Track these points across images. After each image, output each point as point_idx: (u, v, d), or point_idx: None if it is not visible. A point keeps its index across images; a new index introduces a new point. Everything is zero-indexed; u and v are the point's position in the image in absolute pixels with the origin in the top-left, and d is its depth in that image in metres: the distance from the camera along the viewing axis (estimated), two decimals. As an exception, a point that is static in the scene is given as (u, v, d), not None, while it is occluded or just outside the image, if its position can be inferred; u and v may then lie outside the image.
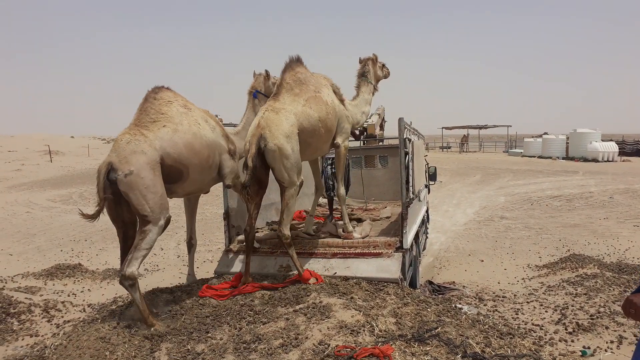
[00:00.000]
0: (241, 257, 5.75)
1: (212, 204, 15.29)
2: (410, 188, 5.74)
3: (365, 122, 7.18)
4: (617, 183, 19.83)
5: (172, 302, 4.83)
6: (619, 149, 34.64)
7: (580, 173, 24.59)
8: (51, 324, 5.34)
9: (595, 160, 32.23)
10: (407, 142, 5.67)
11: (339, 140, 5.67)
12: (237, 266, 5.67)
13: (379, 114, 8.96)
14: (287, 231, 5.00)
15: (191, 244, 5.88)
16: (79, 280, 7.26)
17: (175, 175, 4.62)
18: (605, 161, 32.18)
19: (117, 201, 4.30)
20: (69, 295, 6.49)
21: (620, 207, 14.30)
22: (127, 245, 4.46)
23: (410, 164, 5.77)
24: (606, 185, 19.05)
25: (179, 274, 7.86)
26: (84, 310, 5.72)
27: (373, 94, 6.34)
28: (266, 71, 6.18)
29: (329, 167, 6.93)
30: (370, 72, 6.26)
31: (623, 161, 32.98)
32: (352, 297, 4.48)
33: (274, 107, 5.00)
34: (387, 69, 6.59)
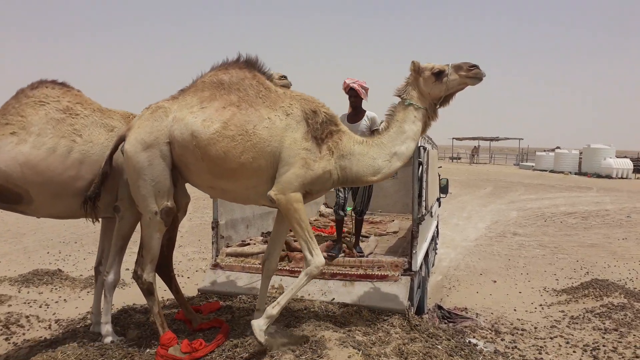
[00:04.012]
0: (229, 273, 5.14)
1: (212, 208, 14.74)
2: (423, 203, 5.10)
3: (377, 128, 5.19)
4: (633, 201, 19.15)
5: (144, 325, 4.25)
6: (634, 166, 33.85)
7: (594, 189, 23.89)
8: (9, 343, 4.71)
9: (608, 176, 31.45)
10: (422, 150, 5.03)
11: (272, 190, 3.68)
12: (224, 285, 5.06)
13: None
14: (147, 274, 3.80)
15: (99, 272, 4.46)
16: (56, 289, 6.69)
17: (11, 196, 3.75)
18: (619, 178, 31.38)
19: None
20: (40, 306, 5.91)
21: (638, 226, 13.65)
22: None
23: (424, 175, 5.12)
24: (622, 204, 18.36)
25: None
26: (50, 327, 5.12)
27: (426, 123, 4.08)
28: None
29: None
30: (409, 91, 4.06)
31: (637, 179, 32.17)
32: (350, 330, 3.85)
33: (156, 105, 3.88)
34: (454, 77, 3.92)
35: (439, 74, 3.91)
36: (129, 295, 6.20)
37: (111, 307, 4.18)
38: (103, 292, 4.23)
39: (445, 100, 4.06)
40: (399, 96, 4.10)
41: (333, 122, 3.91)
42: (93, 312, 4.44)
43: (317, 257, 3.65)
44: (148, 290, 3.83)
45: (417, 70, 4.01)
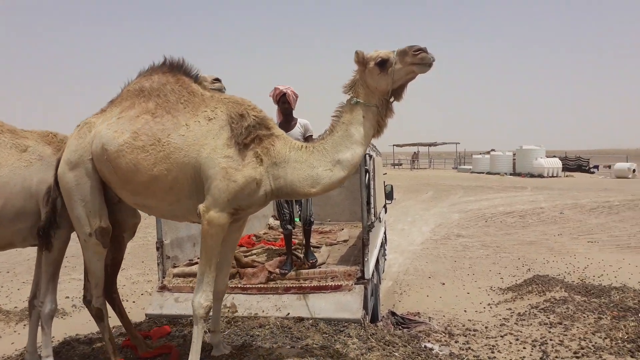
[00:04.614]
0: (177, 295, 4.93)
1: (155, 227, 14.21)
2: (372, 210, 5.13)
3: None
4: (564, 198, 20.24)
5: (88, 357, 3.99)
6: (562, 164, 35.90)
7: (529, 188, 25.09)
8: (-64, 389, 4.34)
9: (541, 175, 33.19)
10: (368, 158, 5.07)
11: (202, 205, 3.31)
12: (173, 308, 4.84)
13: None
14: (95, 300, 3.71)
15: (33, 306, 4.02)
16: (-12, 324, 6.20)
17: None
18: (550, 177, 33.20)
19: None
20: (-30, 345, 5.45)
21: (571, 222, 14.47)
22: None
23: (372, 182, 5.15)
24: (555, 201, 19.38)
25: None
26: (-18, 368, 4.74)
27: (379, 122, 3.45)
28: None
29: None
30: (356, 88, 3.44)
31: (566, 176, 34.16)
32: (307, 345, 3.79)
33: (84, 122, 3.72)
34: (400, 65, 3.26)
35: (382, 64, 3.27)
36: (70, 326, 5.83)
37: (51, 339, 3.91)
38: (40, 324, 3.91)
39: (396, 93, 3.39)
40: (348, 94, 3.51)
41: (264, 126, 3.44)
42: (28, 351, 4.12)
43: (199, 297, 3.39)
44: (97, 316, 3.77)
45: (361, 61, 3.38)
